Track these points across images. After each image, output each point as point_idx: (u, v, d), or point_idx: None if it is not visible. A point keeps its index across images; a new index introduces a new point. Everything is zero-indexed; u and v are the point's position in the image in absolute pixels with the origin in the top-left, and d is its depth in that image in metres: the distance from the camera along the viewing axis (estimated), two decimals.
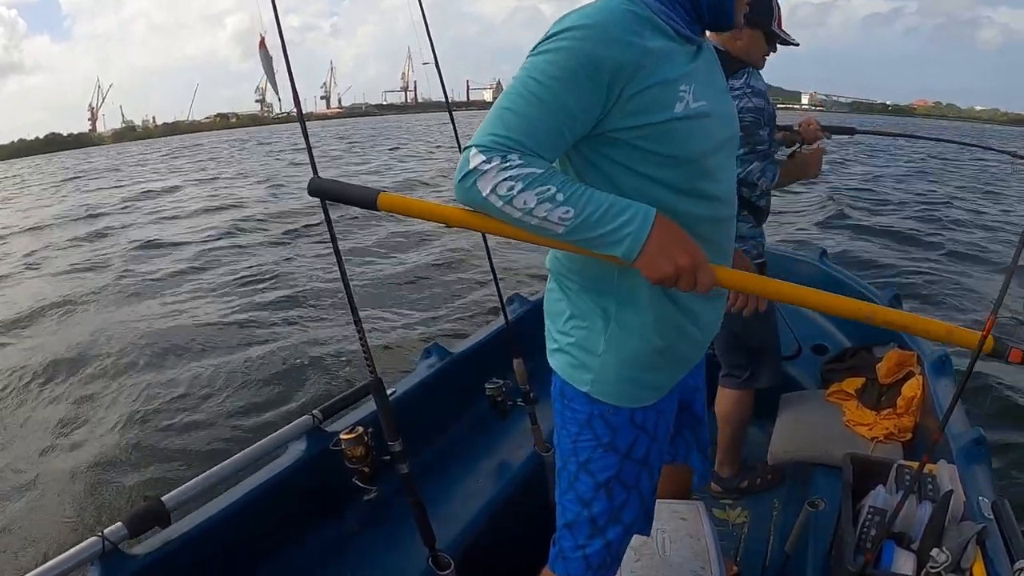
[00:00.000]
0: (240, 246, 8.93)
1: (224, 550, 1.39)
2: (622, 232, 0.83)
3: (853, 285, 2.86)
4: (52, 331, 5.82)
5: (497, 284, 2.06)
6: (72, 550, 1.13)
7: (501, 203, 0.84)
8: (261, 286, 6.73)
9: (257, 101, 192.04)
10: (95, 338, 5.46)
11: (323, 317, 5.69)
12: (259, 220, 10.93)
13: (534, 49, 0.90)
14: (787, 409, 2.23)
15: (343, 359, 4.68)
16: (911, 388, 2.04)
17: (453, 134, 1.91)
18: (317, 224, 9.27)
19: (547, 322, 1.14)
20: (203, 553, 1.35)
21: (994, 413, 3.63)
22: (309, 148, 1.34)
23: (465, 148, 0.86)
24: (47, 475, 3.47)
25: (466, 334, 2.65)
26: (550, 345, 1.13)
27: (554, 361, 1.12)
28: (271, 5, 1.23)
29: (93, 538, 1.15)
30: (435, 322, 5.54)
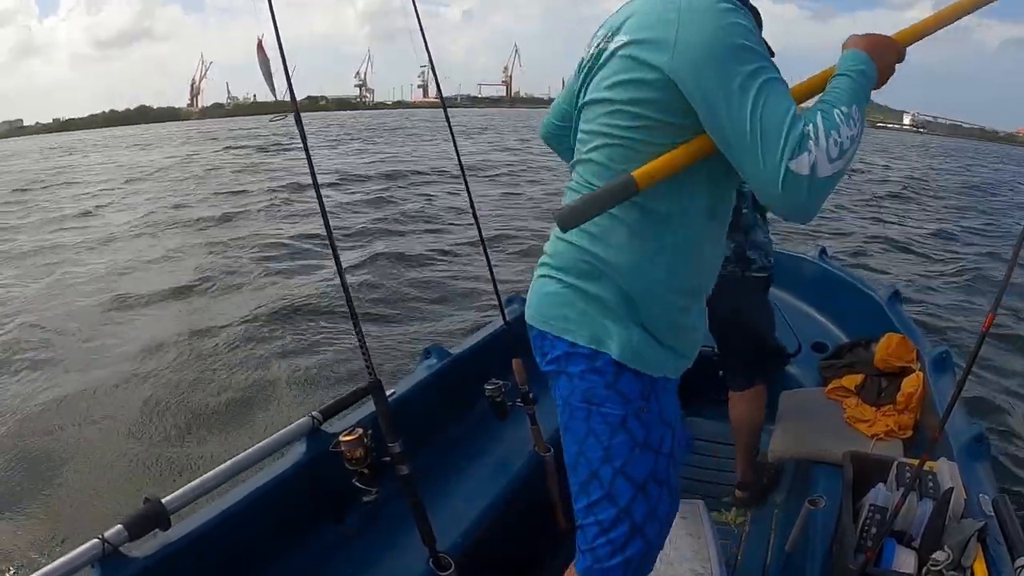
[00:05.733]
0: (241, 246, 8.90)
1: (224, 552, 1.39)
2: (867, 74, 0.96)
3: (853, 282, 2.86)
4: (49, 328, 5.81)
5: (495, 284, 2.06)
6: (72, 553, 1.12)
7: (842, 159, 0.88)
8: (260, 287, 6.72)
9: (357, 86, 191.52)
10: (92, 337, 5.45)
11: (323, 319, 5.68)
12: (262, 221, 10.90)
13: (720, 40, 0.91)
14: (787, 407, 2.23)
15: (343, 360, 4.68)
16: (911, 384, 2.04)
17: None
18: (315, 226, 9.26)
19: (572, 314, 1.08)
20: (203, 555, 1.35)
21: (994, 410, 3.63)
22: (306, 147, 1.34)
23: (774, 175, 0.86)
24: (46, 477, 3.46)
25: (465, 335, 2.64)
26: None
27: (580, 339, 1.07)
28: (268, 6, 1.24)
29: (93, 540, 1.15)
30: (434, 323, 5.54)
